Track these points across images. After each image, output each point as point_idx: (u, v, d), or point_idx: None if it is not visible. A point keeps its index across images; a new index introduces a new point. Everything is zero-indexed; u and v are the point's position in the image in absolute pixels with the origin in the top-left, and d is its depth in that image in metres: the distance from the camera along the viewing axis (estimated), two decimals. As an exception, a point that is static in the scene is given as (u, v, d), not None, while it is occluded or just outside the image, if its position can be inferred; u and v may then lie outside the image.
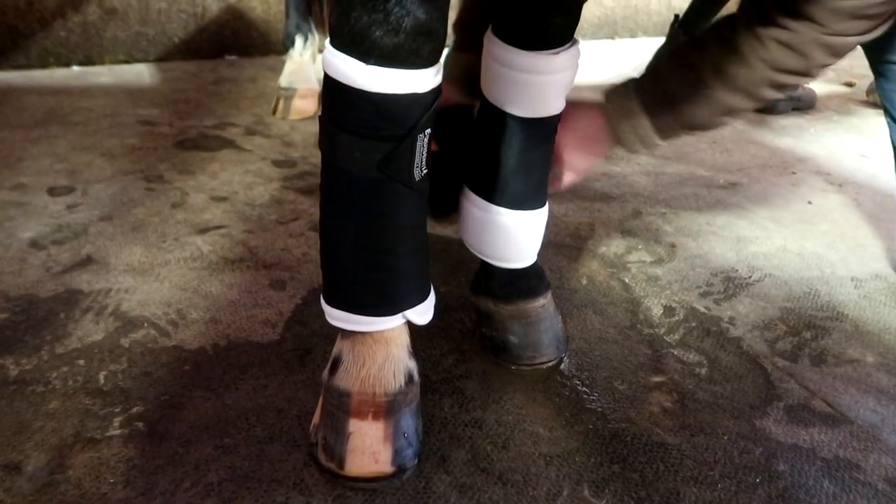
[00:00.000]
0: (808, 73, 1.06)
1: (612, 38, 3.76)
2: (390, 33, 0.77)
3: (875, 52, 1.42)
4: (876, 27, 1.02)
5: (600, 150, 1.21)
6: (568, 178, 1.22)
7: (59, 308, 1.25)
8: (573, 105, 1.18)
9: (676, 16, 2.77)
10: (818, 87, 2.78)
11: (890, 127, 1.49)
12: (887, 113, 1.47)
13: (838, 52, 1.04)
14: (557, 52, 1.02)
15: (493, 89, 1.07)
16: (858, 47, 1.13)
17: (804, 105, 2.66)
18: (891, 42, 1.34)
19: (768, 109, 2.56)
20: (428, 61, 0.81)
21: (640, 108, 1.13)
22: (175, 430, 1.00)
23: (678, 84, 1.09)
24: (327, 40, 0.84)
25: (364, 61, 0.79)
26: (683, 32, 2.72)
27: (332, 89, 0.83)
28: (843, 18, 0.98)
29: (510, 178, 1.09)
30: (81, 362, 1.12)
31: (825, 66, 1.05)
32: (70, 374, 1.10)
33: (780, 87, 1.07)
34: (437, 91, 0.84)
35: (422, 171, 0.86)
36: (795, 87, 1.12)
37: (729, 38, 1.06)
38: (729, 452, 1.02)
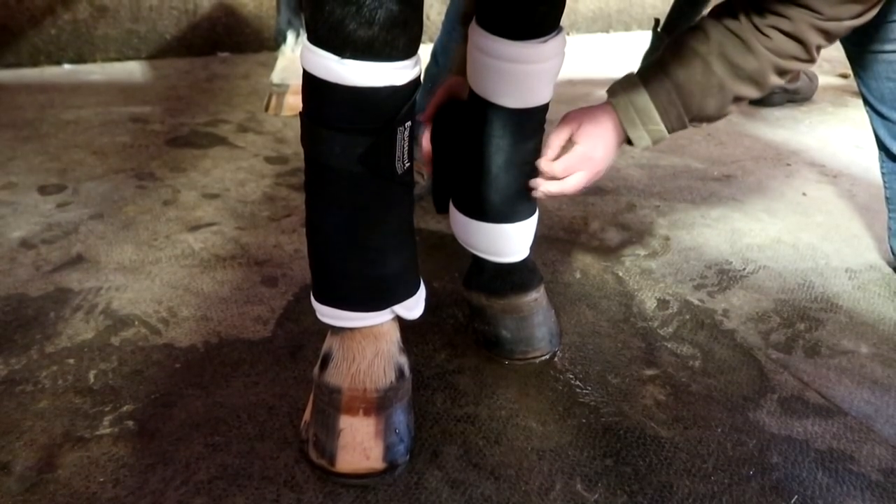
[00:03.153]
0: (809, 59, 1.09)
1: (607, 31, 3.75)
2: (364, 26, 0.77)
3: (852, 42, 1.42)
4: (867, 10, 1.06)
5: (613, 146, 1.13)
6: (590, 172, 1.12)
7: (49, 307, 1.25)
8: (586, 107, 1.15)
9: (657, 20, 2.76)
10: (813, 78, 2.77)
11: (869, 115, 1.48)
12: (866, 102, 1.47)
13: (833, 36, 1.08)
14: (545, 41, 1.01)
15: (481, 81, 1.05)
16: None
17: (800, 97, 2.65)
18: (867, 32, 1.34)
19: (763, 101, 2.55)
20: (404, 53, 0.81)
21: (650, 103, 1.10)
22: (165, 429, 0.99)
23: (687, 75, 1.08)
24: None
25: (340, 55, 0.79)
26: (667, 35, 2.71)
27: (311, 85, 0.82)
28: (835, 3, 1.03)
29: (500, 176, 1.08)
30: (71, 361, 1.12)
31: (821, 48, 1.09)
32: (60, 373, 1.09)
33: (785, 73, 1.10)
34: (415, 83, 0.84)
35: (404, 165, 0.86)
36: (798, 73, 1.16)
37: (732, 28, 1.08)
38: (722, 445, 1.01)
